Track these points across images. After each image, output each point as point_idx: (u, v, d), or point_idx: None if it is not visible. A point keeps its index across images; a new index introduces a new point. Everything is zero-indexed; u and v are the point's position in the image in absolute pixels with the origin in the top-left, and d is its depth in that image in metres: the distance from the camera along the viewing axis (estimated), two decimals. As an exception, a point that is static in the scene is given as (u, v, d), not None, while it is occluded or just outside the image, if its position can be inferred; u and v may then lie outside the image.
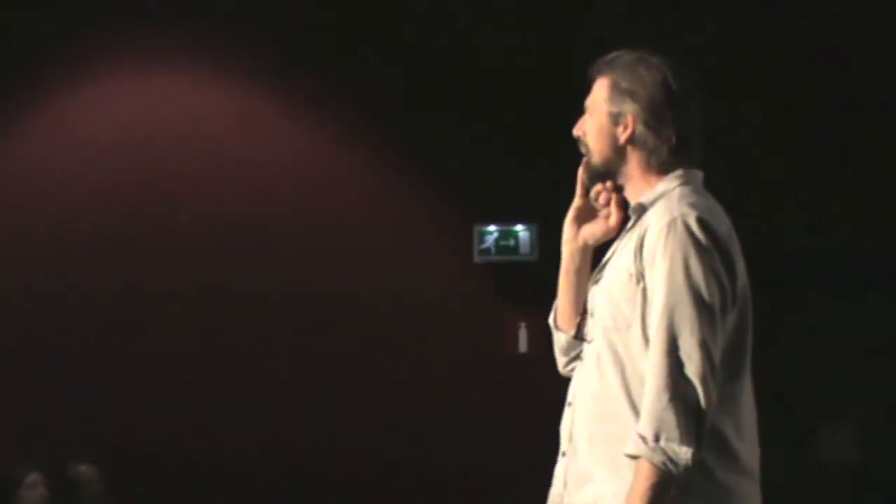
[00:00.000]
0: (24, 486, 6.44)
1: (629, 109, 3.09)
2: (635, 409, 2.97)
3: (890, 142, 7.27)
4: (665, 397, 2.90)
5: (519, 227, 7.31)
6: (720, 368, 2.94)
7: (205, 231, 7.47)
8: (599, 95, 3.14)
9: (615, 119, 3.11)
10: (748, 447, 3.02)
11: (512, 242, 7.33)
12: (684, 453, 2.88)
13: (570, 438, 3.11)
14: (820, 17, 7.30)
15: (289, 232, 7.46)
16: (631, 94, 3.08)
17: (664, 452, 2.88)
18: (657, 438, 2.88)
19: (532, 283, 7.15)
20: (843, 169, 7.30)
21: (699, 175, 3.12)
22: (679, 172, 3.08)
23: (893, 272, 7.19)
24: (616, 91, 3.10)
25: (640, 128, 3.08)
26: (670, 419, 2.88)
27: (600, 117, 3.13)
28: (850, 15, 7.31)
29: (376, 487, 7.28)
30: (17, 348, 7.37)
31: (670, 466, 2.88)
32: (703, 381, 2.90)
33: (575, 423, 3.10)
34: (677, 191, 3.05)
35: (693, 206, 2.99)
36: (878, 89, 7.28)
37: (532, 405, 6.96)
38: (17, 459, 6.64)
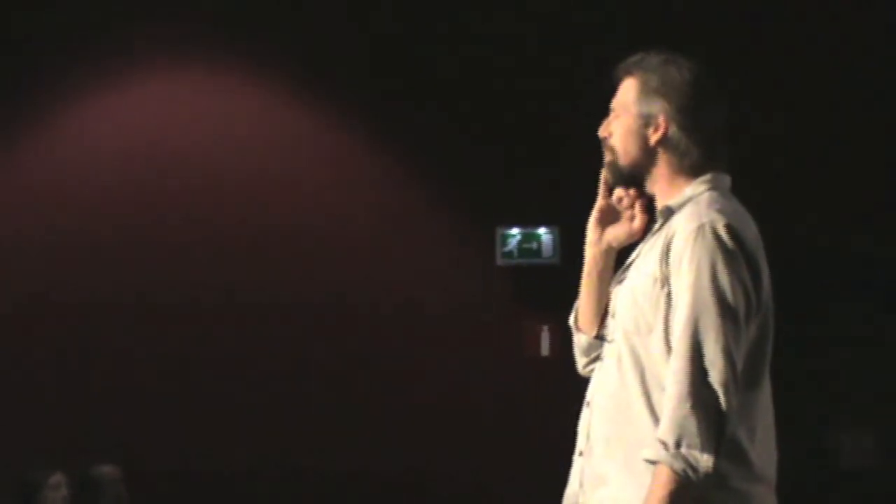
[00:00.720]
0: (47, 488, 6.44)
1: (660, 110, 3.04)
2: (653, 414, 2.95)
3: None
4: (687, 404, 2.87)
5: (542, 230, 7.30)
6: (741, 376, 2.92)
7: (223, 236, 7.47)
8: (628, 96, 3.09)
9: (646, 120, 3.06)
10: (764, 454, 3.00)
11: (534, 245, 7.32)
12: (705, 461, 2.85)
13: (588, 438, 3.09)
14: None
15: (311, 236, 7.46)
16: (662, 95, 3.04)
17: (685, 459, 2.85)
18: (678, 445, 2.86)
19: (554, 286, 7.11)
20: (868, 174, 7.28)
21: (727, 179, 3.09)
22: (707, 177, 3.05)
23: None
24: (646, 91, 3.06)
25: (672, 129, 3.04)
26: (692, 426, 2.86)
27: (629, 118, 3.08)
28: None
29: (399, 490, 7.28)
30: (39, 352, 7.39)
31: (690, 473, 2.85)
32: (726, 388, 2.87)
33: (592, 424, 3.08)
34: (706, 195, 3.02)
35: (721, 211, 2.96)
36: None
37: (553, 408, 6.95)
38: (40, 461, 6.66)
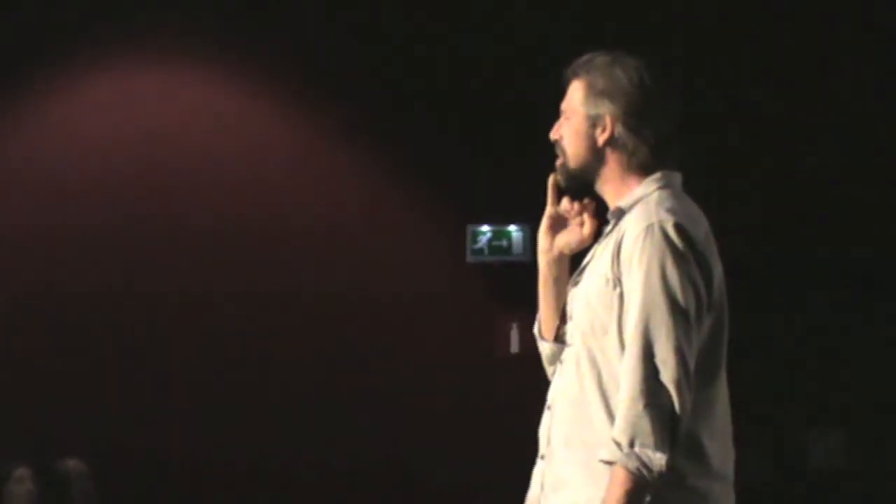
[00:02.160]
0: (11, 481, 6.41)
1: (607, 111, 3.07)
2: (611, 415, 2.96)
3: None
4: (640, 403, 2.89)
5: (512, 228, 7.30)
6: (695, 374, 2.93)
7: (199, 230, 7.45)
8: (576, 98, 3.12)
9: (593, 121, 3.09)
10: (721, 452, 3.01)
11: (505, 243, 7.32)
12: (658, 459, 2.87)
13: (549, 442, 3.11)
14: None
15: (281, 231, 7.45)
16: (608, 96, 3.06)
17: (639, 458, 2.87)
18: (632, 444, 2.88)
19: (524, 284, 7.11)
20: (840, 169, 7.30)
21: (678, 177, 3.10)
22: (657, 175, 3.06)
23: (889, 275, 7.19)
24: (592, 93, 3.09)
25: (618, 129, 3.06)
26: (645, 425, 2.88)
27: (577, 120, 3.11)
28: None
29: (365, 487, 7.27)
30: (5, 344, 7.35)
31: (644, 472, 2.87)
32: (678, 387, 2.89)
33: (553, 427, 3.10)
34: (655, 195, 3.03)
35: (671, 211, 2.98)
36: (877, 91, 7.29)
37: (523, 406, 6.94)
38: (4, 454, 6.62)
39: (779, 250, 7.21)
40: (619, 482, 2.88)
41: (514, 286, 7.20)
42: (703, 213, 3.07)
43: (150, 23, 7.49)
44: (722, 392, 3.04)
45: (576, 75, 3.13)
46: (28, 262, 7.41)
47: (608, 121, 3.07)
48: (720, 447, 3.00)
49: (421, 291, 7.39)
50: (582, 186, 3.16)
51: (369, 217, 7.47)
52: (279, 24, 7.52)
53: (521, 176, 7.41)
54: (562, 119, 3.17)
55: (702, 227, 3.01)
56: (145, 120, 7.48)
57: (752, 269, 6.66)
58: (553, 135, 3.18)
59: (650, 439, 2.87)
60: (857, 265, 7.24)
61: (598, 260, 3.06)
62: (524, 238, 7.24)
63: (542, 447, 3.14)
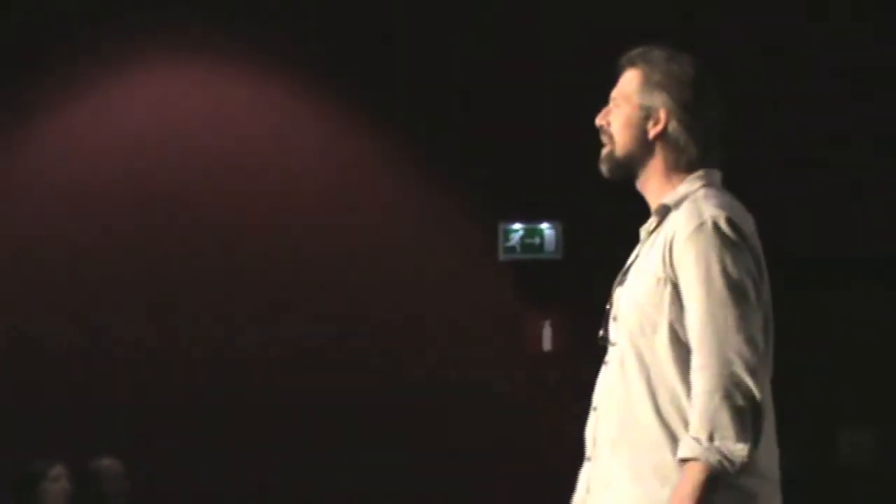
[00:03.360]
0: (47, 480, 6.44)
1: (661, 103, 3.05)
2: (659, 415, 2.95)
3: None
4: (717, 396, 2.86)
5: (544, 226, 7.28)
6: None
7: (222, 232, 7.46)
8: (630, 87, 3.09)
9: (646, 112, 3.06)
10: (767, 450, 2.99)
11: (537, 241, 7.30)
12: (739, 450, 2.85)
13: (594, 443, 3.08)
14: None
15: (309, 230, 7.45)
16: (665, 88, 3.04)
17: (719, 451, 2.84)
18: (711, 438, 2.85)
19: (557, 282, 7.14)
20: (864, 171, 7.27)
21: (719, 175, 3.09)
22: (700, 173, 3.05)
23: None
24: (648, 83, 3.06)
25: (672, 123, 3.04)
26: (723, 418, 2.85)
27: (630, 109, 3.08)
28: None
29: (396, 484, 7.26)
30: (42, 343, 7.39)
31: (726, 465, 2.84)
32: (755, 375, 2.87)
33: (598, 429, 3.07)
34: (701, 192, 3.02)
35: (720, 206, 2.96)
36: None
37: (555, 403, 6.96)
38: (40, 453, 6.65)
39: (809, 246, 7.17)
40: (696, 475, 2.84)
41: (546, 284, 7.21)
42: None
43: (182, 17, 7.51)
44: (766, 387, 3.00)
45: (632, 64, 3.10)
46: (56, 263, 7.44)
47: (662, 114, 3.04)
48: (766, 445, 2.97)
49: (454, 290, 7.38)
50: (625, 177, 3.12)
51: (401, 215, 7.47)
52: (298, 24, 7.52)
53: (553, 174, 7.44)
54: (611, 105, 3.14)
55: (749, 222, 3.00)
56: (151, 123, 7.50)
57: (782, 263, 6.63)
58: (599, 120, 3.15)
59: (730, 431, 2.84)
60: (892, 261, 7.20)
61: (646, 259, 3.04)
62: (556, 236, 7.22)
63: (589, 449, 3.11)
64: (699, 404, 2.88)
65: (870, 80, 7.16)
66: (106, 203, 7.47)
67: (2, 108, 7.55)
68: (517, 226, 7.31)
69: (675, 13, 7.17)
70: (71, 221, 7.46)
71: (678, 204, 3.02)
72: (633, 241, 3.15)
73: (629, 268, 3.10)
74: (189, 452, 7.25)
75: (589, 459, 3.10)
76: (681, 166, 3.06)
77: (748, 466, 2.86)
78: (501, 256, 7.32)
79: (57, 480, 6.47)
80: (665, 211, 3.05)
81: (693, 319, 2.92)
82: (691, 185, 3.04)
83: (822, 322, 7.15)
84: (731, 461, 2.84)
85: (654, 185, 3.09)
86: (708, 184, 3.04)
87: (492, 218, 7.33)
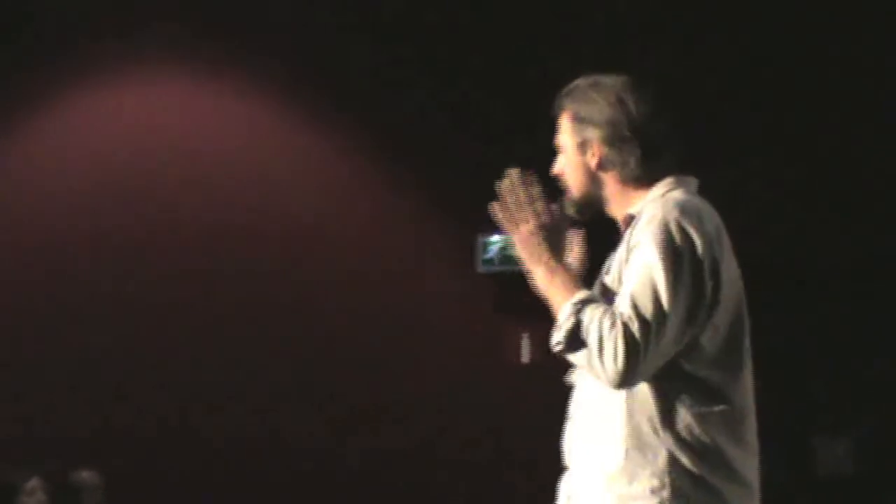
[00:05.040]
0: (24, 492, 6.41)
1: (591, 135, 3.15)
2: (630, 427, 2.97)
3: None
4: (611, 327, 2.90)
5: (522, 238, 7.28)
6: (712, 370, 2.96)
7: (203, 237, 7.47)
8: (564, 131, 3.21)
9: (582, 149, 3.16)
10: (743, 454, 3.01)
11: (515, 252, 7.31)
12: (610, 363, 2.88)
13: (570, 453, 3.12)
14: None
15: (290, 240, 7.46)
16: (589, 121, 3.14)
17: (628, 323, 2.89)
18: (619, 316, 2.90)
19: (535, 294, 7.14)
20: (852, 174, 7.30)
21: (691, 182, 3.14)
22: (668, 180, 3.11)
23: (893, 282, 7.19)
24: (576, 121, 3.17)
25: (604, 149, 3.13)
26: (610, 341, 2.89)
27: (570, 152, 3.20)
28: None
29: (374, 495, 7.27)
30: (16, 353, 7.37)
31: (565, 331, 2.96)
32: (647, 334, 2.89)
33: (572, 440, 3.11)
34: (667, 195, 3.07)
35: (678, 206, 3.01)
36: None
37: (534, 415, 6.96)
38: (17, 465, 6.63)
39: (785, 254, 7.20)
40: (560, 298, 3.05)
41: (524, 296, 7.20)
42: (719, 214, 3.09)
43: (160, 28, 7.52)
44: (744, 391, 3.03)
45: (561, 108, 3.22)
46: (38, 272, 7.42)
47: (594, 145, 3.14)
48: (742, 450, 3.00)
49: (432, 301, 7.39)
50: (594, 213, 3.21)
51: (379, 228, 7.47)
52: (291, 33, 7.54)
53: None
54: (559, 155, 3.25)
55: (710, 225, 3.02)
56: (145, 129, 7.51)
57: (759, 271, 6.65)
58: (554, 171, 3.26)
59: (610, 347, 2.89)
60: (864, 270, 7.23)
61: (615, 267, 3.08)
62: (534, 248, 7.23)
63: (566, 459, 3.14)
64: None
65: None
66: (96, 206, 7.47)
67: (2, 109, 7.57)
68: (495, 237, 7.33)
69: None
70: (57, 227, 7.45)
71: (642, 209, 3.08)
72: (611, 251, 3.18)
73: (601, 280, 3.13)
74: (168, 465, 7.24)
75: (566, 470, 3.12)
76: (629, 182, 3.14)
77: (626, 388, 2.92)
78: (479, 268, 7.33)
79: (33, 493, 6.45)
80: (630, 219, 3.11)
81: (622, 292, 2.96)
82: (659, 190, 3.11)
83: (798, 329, 7.18)
84: (630, 336, 2.88)
85: (616, 207, 3.17)
86: (675, 188, 3.09)
87: (470, 230, 7.34)
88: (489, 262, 7.33)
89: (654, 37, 7.25)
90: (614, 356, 2.88)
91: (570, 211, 3.21)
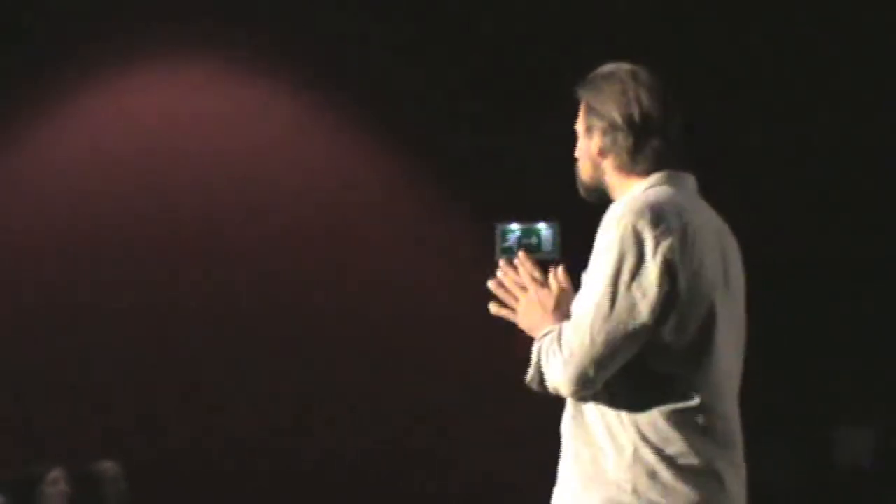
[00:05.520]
0: (45, 483, 6.44)
1: (597, 123, 3.27)
2: (603, 425, 3.09)
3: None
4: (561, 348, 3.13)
5: (542, 225, 7.27)
6: (677, 361, 3.04)
7: (226, 233, 7.48)
8: (580, 118, 3.34)
9: (588, 135, 3.30)
10: (712, 450, 3.06)
11: (535, 240, 7.29)
12: (552, 374, 3.16)
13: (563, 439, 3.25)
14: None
15: (308, 230, 7.47)
16: (596, 110, 3.27)
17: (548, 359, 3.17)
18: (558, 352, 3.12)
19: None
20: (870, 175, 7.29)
21: (686, 177, 3.21)
22: (660, 174, 3.20)
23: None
24: (588, 110, 3.31)
25: (606, 139, 3.25)
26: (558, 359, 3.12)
27: (581, 137, 3.34)
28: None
29: (387, 490, 7.27)
30: (38, 346, 7.39)
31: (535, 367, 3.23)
32: (582, 355, 3.07)
33: (563, 423, 3.27)
34: (648, 190, 3.16)
35: (638, 205, 3.08)
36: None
37: (550, 407, 6.95)
38: (39, 456, 6.65)
39: (805, 248, 7.19)
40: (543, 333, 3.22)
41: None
42: (720, 213, 3.20)
43: (172, 24, 7.53)
44: (712, 389, 3.08)
45: (579, 95, 3.35)
46: (57, 268, 7.44)
47: (598, 132, 3.27)
48: (709, 446, 3.06)
49: (450, 290, 7.39)
50: (598, 197, 3.37)
51: (397, 216, 7.48)
52: (301, 28, 7.54)
53: (550, 173, 7.44)
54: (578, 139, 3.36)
55: (675, 223, 3.07)
56: (157, 126, 7.53)
57: (781, 266, 6.65)
58: (575, 154, 3.40)
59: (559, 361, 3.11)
60: (889, 262, 7.21)
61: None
62: (554, 235, 7.20)
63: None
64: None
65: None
66: (114, 202, 7.48)
67: (7, 110, 7.58)
68: (514, 226, 7.31)
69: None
70: (76, 221, 7.47)
71: (612, 206, 3.19)
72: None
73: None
74: (188, 455, 7.26)
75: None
76: (627, 172, 3.25)
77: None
78: (498, 257, 7.32)
79: (55, 484, 6.47)
80: None
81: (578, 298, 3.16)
82: (641, 185, 3.20)
83: (819, 321, 7.17)
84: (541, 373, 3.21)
85: (616, 195, 3.29)
86: (659, 183, 3.17)
87: (488, 218, 7.32)
88: (508, 250, 7.31)
89: (660, 27, 7.24)
90: (557, 369, 3.13)
91: (581, 190, 3.41)
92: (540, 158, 7.27)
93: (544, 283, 3.47)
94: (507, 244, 7.30)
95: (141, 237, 7.45)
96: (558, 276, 3.51)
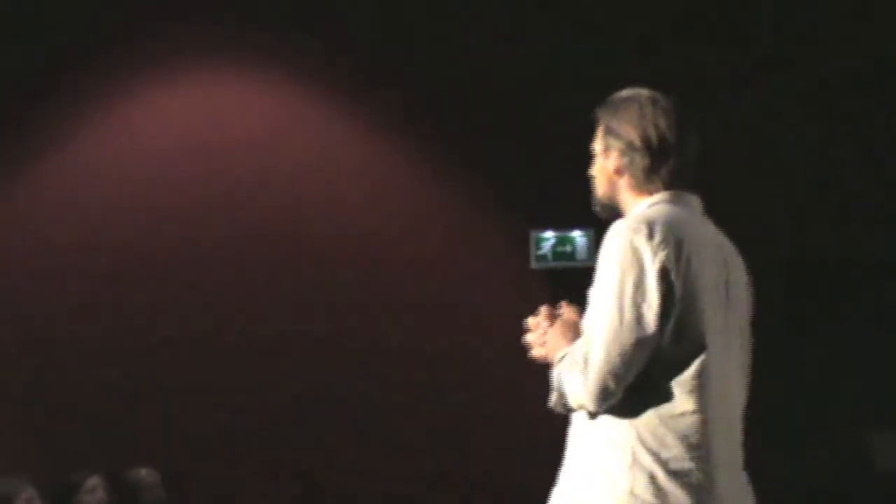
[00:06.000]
0: (83, 491, 6.46)
1: (613, 144, 3.43)
2: (609, 430, 3.23)
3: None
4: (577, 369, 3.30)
5: (576, 233, 7.29)
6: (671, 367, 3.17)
7: (258, 236, 7.50)
8: (597, 139, 3.51)
9: (606, 155, 3.47)
10: (705, 458, 3.17)
11: (569, 248, 7.31)
12: (573, 390, 3.33)
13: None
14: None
15: (345, 237, 7.48)
16: (614, 132, 3.43)
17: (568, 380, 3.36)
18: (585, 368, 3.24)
19: (588, 289, 7.12)
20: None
21: (691, 198, 3.38)
22: (665, 194, 3.36)
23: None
24: (606, 132, 3.47)
25: (622, 159, 3.41)
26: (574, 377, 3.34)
27: (598, 156, 3.51)
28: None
29: (424, 490, 7.27)
30: (75, 353, 7.42)
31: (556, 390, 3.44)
32: (597, 376, 3.23)
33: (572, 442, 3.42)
34: (650, 208, 3.31)
35: (635, 221, 3.24)
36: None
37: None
38: (76, 464, 6.68)
39: (840, 249, 7.16)
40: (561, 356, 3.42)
41: (578, 291, 7.20)
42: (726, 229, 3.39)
43: (207, 29, 7.56)
44: (710, 398, 3.19)
45: (598, 118, 3.52)
46: (89, 274, 7.47)
47: (614, 153, 3.43)
48: (701, 454, 3.16)
49: (485, 298, 7.39)
50: (612, 214, 3.49)
51: (433, 224, 7.48)
52: (331, 30, 7.56)
53: (584, 181, 7.44)
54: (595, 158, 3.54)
55: (672, 236, 3.20)
56: (181, 130, 7.56)
57: (814, 267, 6.63)
58: (591, 172, 3.56)
59: (577, 378, 3.30)
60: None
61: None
62: (588, 243, 7.23)
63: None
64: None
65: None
66: (144, 209, 7.51)
67: (33, 122, 7.62)
68: (549, 234, 7.32)
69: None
70: (107, 228, 7.50)
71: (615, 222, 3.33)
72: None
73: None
74: (226, 461, 7.28)
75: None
76: (639, 191, 3.41)
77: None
78: (533, 264, 7.33)
79: (93, 492, 6.50)
80: None
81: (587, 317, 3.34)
82: (645, 203, 3.36)
83: (864, 326, 7.14)
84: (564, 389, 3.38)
85: (626, 212, 3.43)
86: (662, 202, 3.33)
87: (523, 226, 7.34)
88: (542, 257, 7.32)
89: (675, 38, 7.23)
90: (578, 388, 3.28)
91: (596, 209, 3.56)
92: (577, 166, 7.29)
93: (557, 316, 3.66)
94: (541, 251, 7.34)
95: (179, 242, 7.48)
96: (566, 309, 3.72)
